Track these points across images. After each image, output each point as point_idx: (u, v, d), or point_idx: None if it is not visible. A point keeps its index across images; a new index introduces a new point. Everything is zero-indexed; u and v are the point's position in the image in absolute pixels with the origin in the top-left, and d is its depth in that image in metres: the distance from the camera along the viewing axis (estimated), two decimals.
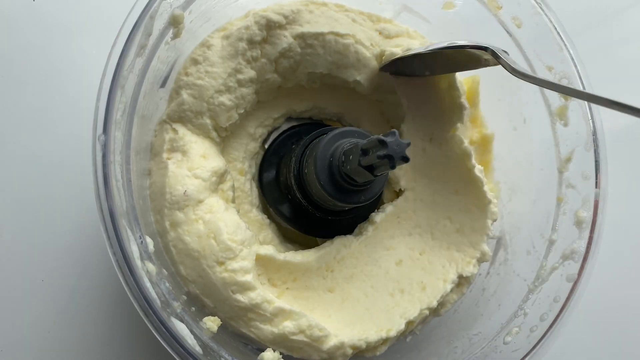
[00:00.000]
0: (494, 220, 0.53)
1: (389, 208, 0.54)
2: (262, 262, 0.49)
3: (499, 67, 0.54)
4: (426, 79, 0.54)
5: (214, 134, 0.50)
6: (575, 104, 0.50)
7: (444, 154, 0.54)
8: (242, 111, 0.51)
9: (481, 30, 0.54)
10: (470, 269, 0.52)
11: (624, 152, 0.68)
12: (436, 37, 0.56)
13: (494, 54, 0.42)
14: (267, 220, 0.55)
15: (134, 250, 0.39)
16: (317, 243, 0.55)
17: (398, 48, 0.52)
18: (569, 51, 0.50)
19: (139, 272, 0.38)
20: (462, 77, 0.56)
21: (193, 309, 0.45)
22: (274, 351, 0.45)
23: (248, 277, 0.45)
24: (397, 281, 0.52)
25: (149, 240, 0.42)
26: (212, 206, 0.47)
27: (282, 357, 0.46)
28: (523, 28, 0.51)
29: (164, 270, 0.44)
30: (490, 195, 0.53)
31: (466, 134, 0.56)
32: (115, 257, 0.37)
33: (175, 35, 0.46)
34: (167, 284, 0.43)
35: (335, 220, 0.54)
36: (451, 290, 0.52)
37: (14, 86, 0.57)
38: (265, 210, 0.57)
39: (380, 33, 0.54)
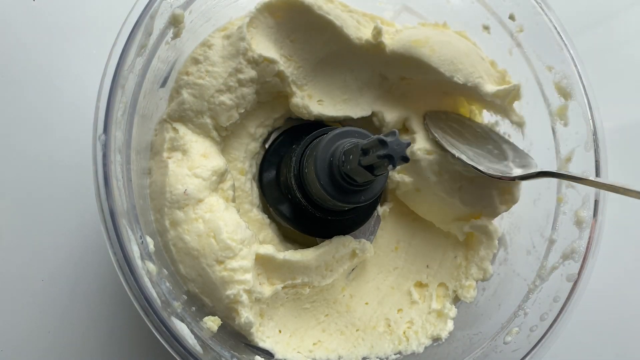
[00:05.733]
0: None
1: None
2: (262, 262, 0.49)
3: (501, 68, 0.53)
4: None
5: (214, 134, 0.50)
6: (575, 103, 0.50)
7: None
8: (242, 111, 0.51)
9: (481, 31, 0.54)
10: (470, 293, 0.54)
11: (624, 152, 0.68)
12: None
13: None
14: (267, 220, 0.55)
15: (134, 250, 0.39)
16: (317, 243, 0.55)
17: None
18: (569, 51, 0.50)
19: (139, 271, 0.38)
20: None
21: (193, 308, 0.45)
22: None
23: (247, 276, 0.46)
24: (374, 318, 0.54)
25: (149, 240, 0.42)
26: (212, 205, 0.47)
27: None
28: (523, 28, 0.52)
29: (164, 270, 0.44)
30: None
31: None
32: (115, 257, 0.37)
33: (176, 35, 0.46)
34: (168, 284, 0.42)
35: (335, 220, 0.54)
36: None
37: (14, 86, 0.57)
38: (265, 209, 0.57)
39: None
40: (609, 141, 0.49)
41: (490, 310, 0.53)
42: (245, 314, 0.45)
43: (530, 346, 0.45)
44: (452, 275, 0.56)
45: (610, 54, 0.73)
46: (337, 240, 0.52)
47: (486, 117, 0.58)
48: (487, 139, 0.50)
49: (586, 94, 0.49)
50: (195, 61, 0.49)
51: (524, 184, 0.55)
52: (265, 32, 0.51)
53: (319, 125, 0.57)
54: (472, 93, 0.52)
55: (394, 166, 0.38)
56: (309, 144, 0.50)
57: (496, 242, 0.55)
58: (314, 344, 0.52)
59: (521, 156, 0.49)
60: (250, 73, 0.50)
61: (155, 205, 0.47)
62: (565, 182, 0.51)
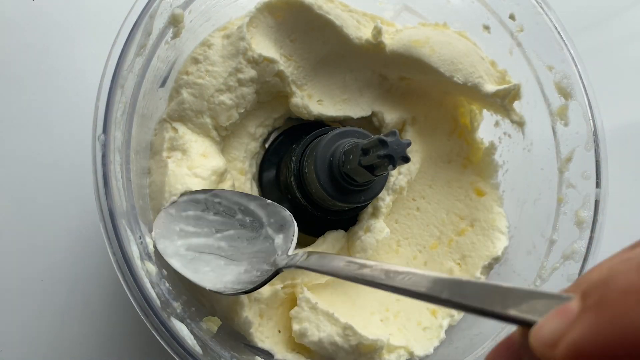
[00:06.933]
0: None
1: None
2: None
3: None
4: None
5: (214, 133, 0.50)
6: (575, 103, 0.50)
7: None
8: (242, 110, 0.51)
9: (482, 31, 0.54)
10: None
11: (624, 152, 0.68)
12: None
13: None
14: None
15: (133, 250, 0.39)
16: None
17: None
18: (569, 51, 0.50)
19: (139, 272, 0.38)
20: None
21: (193, 309, 0.44)
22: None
23: None
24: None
25: (148, 240, 0.42)
26: None
27: None
28: (523, 28, 0.52)
29: (164, 271, 0.44)
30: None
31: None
32: (115, 257, 0.37)
33: (175, 35, 0.46)
34: (167, 284, 0.42)
35: (335, 220, 0.54)
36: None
37: (14, 86, 0.57)
38: None
39: None
40: (609, 141, 0.49)
41: None
42: (245, 314, 0.45)
43: None
44: None
45: (610, 54, 0.73)
46: (330, 236, 0.52)
47: (486, 117, 0.58)
48: (234, 210, 0.43)
49: (586, 94, 0.49)
50: (195, 61, 0.49)
51: (526, 184, 0.55)
52: (265, 32, 0.51)
53: (319, 125, 0.56)
54: (472, 93, 0.52)
55: (394, 166, 0.38)
56: (308, 144, 0.50)
57: None
58: None
59: (273, 212, 0.42)
60: (250, 73, 0.50)
61: (154, 205, 0.47)
62: (565, 182, 0.51)
